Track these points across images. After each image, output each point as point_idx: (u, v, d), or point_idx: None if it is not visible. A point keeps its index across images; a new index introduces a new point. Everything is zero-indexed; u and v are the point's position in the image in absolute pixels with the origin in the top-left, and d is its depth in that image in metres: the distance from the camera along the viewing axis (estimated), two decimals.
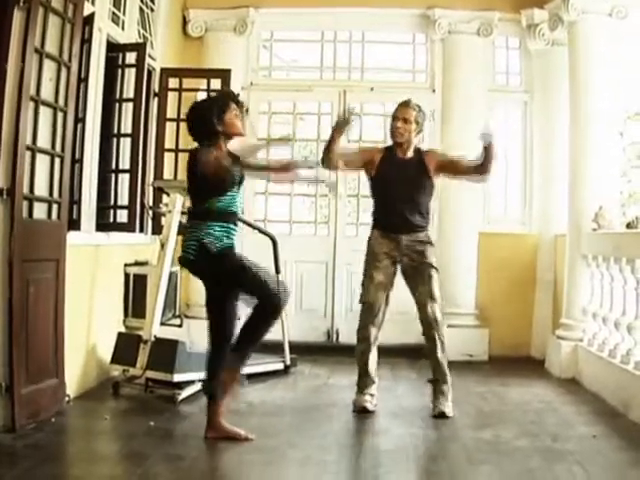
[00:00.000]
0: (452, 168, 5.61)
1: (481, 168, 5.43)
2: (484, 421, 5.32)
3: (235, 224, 4.66)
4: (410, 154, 5.60)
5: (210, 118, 4.54)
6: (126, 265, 6.67)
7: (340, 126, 5.36)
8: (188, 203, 6.14)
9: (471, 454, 4.51)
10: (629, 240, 6.04)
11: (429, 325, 5.52)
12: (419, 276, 5.53)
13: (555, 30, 7.38)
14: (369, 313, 5.55)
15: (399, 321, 7.36)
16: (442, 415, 5.33)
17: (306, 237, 8.51)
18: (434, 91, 8.21)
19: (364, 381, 5.59)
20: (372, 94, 8.35)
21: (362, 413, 5.44)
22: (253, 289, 4.56)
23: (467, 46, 8.07)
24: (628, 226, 6.39)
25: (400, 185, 5.50)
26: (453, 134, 7.97)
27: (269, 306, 4.54)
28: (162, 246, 5.90)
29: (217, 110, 4.57)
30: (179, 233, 5.99)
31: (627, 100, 8.10)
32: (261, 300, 4.52)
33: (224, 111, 4.58)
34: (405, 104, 5.62)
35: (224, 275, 4.60)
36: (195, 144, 4.71)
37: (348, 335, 6.74)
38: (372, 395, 5.58)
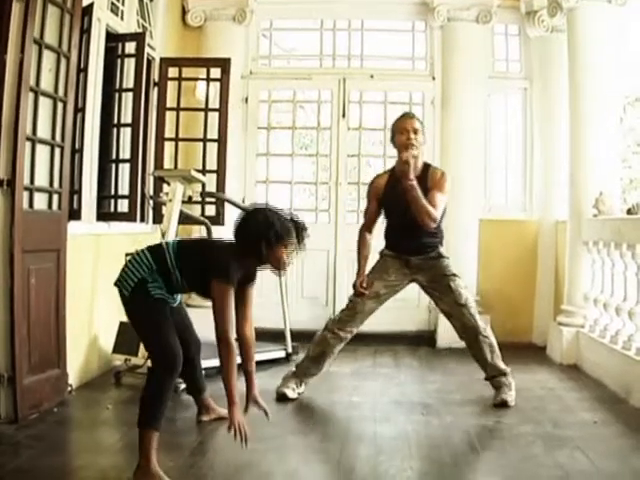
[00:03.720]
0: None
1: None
2: (486, 408, 5.32)
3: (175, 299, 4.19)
4: (414, 174, 5.19)
5: (260, 237, 3.89)
6: (127, 255, 6.64)
7: None
8: (189, 192, 6.17)
9: (473, 441, 4.53)
10: (630, 226, 6.03)
11: (465, 332, 5.46)
12: (438, 290, 5.47)
13: (554, 17, 7.34)
14: (349, 311, 5.50)
15: (400, 308, 7.37)
16: (504, 404, 5.29)
17: (307, 225, 8.43)
18: (434, 78, 8.20)
19: (308, 368, 5.56)
20: (372, 82, 8.33)
21: (282, 400, 5.40)
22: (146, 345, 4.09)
23: (466, 33, 8.04)
24: (629, 212, 6.38)
25: (406, 210, 5.24)
26: (453, 121, 8.00)
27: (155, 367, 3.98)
28: (163, 235, 5.89)
29: (274, 235, 3.91)
30: (180, 222, 6.00)
31: (626, 86, 8.09)
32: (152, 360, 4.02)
33: (280, 241, 3.94)
34: (409, 115, 5.48)
35: (131, 318, 4.08)
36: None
37: None
38: (303, 384, 5.56)
